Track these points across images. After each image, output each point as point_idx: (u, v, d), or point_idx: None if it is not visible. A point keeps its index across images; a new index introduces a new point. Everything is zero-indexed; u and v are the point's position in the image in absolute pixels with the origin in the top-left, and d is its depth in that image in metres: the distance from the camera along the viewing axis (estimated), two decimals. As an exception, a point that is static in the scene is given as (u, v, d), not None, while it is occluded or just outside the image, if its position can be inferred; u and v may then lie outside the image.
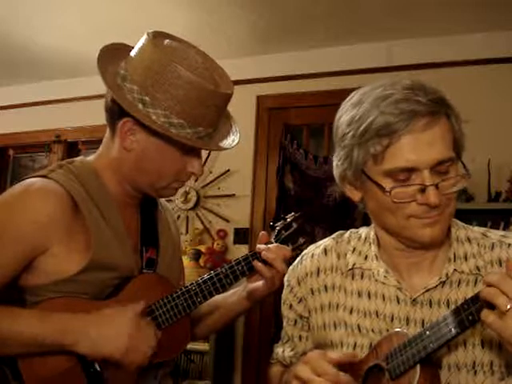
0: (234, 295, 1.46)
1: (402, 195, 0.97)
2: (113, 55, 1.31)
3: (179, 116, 1.22)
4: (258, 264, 1.34)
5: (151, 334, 1.24)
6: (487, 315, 0.83)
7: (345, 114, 1.03)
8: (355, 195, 1.08)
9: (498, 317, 0.82)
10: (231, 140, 1.36)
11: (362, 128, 0.97)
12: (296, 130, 3.72)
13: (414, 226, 0.99)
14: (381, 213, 1.03)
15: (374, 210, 1.06)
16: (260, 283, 1.37)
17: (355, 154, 1.00)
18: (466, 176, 0.99)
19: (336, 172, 1.07)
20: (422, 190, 0.95)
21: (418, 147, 0.95)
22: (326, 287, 1.14)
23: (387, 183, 0.97)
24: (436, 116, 0.96)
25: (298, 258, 1.23)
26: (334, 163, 1.07)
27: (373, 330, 1.05)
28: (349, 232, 1.20)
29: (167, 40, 1.30)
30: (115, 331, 1.19)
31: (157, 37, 1.27)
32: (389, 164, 0.96)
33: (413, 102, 0.94)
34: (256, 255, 1.36)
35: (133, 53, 1.28)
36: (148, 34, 1.27)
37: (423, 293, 1.03)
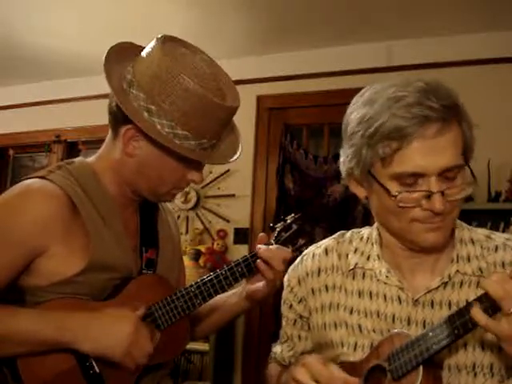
0: (233, 296, 1.45)
1: (407, 200, 0.96)
2: (120, 55, 1.30)
3: (184, 128, 1.22)
4: (261, 264, 1.34)
5: (149, 337, 1.24)
6: (477, 313, 0.84)
7: (355, 112, 1.01)
8: (361, 192, 1.07)
9: (492, 317, 0.83)
10: (233, 153, 1.36)
11: (372, 129, 0.96)
12: (296, 129, 3.72)
13: (417, 231, 0.99)
14: (384, 215, 1.03)
15: (378, 211, 1.05)
16: (260, 284, 1.37)
17: (363, 154, 0.99)
18: (473, 183, 0.98)
19: (343, 168, 1.06)
20: (428, 196, 0.95)
21: (427, 153, 0.94)
22: (326, 287, 1.14)
23: (393, 186, 0.97)
24: (447, 122, 0.95)
25: (299, 258, 1.23)
26: (342, 159, 1.06)
27: (374, 330, 1.05)
28: (350, 232, 1.19)
29: (176, 46, 1.28)
30: (117, 330, 1.19)
31: (166, 42, 1.26)
32: (397, 168, 0.96)
33: (425, 106, 0.93)
34: (256, 256, 1.35)
35: (141, 56, 1.27)
36: (157, 39, 1.26)
37: (425, 293, 1.03)
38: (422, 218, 0.97)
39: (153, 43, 1.27)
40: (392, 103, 0.95)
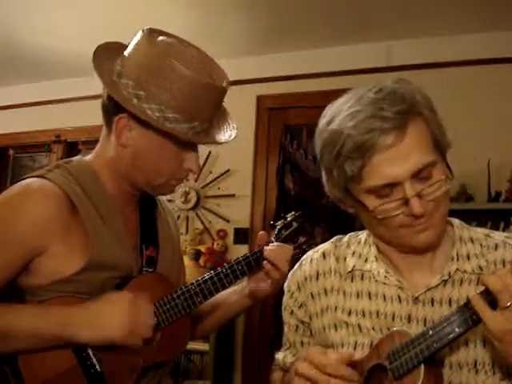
0: (234, 294, 1.45)
1: (385, 211, 0.97)
2: (108, 53, 1.31)
3: (174, 110, 1.22)
4: (267, 265, 1.33)
5: (150, 310, 1.24)
6: (478, 301, 0.84)
7: (320, 134, 1.02)
8: (349, 208, 1.08)
9: (490, 309, 0.83)
10: (228, 135, 1.35)
11: (334, 152, 0.97)
12: (296, 129, 3.73)
13: (406, 235, 0.99)
14: (372, 227, 1.05)
15: (366, 224, 1.07)
16: (263, 284, 1.36)
17: (335, 175, 1.00)
18: (450, 177, 0.97)
19: (326, 189, 1.07)
20: (406, 202, 0.95)
21: (392, 162, 0.94)
22: (325, 290, 1.14)
23: (371, 200, 0.97)
24: (404, 127, 0.94)
25: (298, 264, 1.23)
26: (323, 179, 1.07)
27: (373, 329, 1.05)
28: (348, 236, 1.20)
29: (161, 36, 1.29)
30: (113, 311, 1.19)
31: (151, 33, 1.27)
32: (367, 183, 0.96)
33: (378, 118, 0.93)
34: (256, 255, 1.35)
35: (128, 50, 1.28)
36: (143, 31, 1.27)
37: (425, 291, 1.03)
38: (408, 222, 0.97)
39: (139, 35, 1.28)
40: (347, 122, 0.95)
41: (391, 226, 0.99)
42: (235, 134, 1.36)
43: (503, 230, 2.82)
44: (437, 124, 0.99)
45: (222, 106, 1.36)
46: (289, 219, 1.42)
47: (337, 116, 0.98)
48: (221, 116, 1.37)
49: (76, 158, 1.37)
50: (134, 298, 1.22)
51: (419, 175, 0.95)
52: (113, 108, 1.25)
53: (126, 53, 1.28)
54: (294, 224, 1.41)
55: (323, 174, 1.05)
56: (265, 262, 1.34)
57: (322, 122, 1.03)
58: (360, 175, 0.96)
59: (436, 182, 0.96)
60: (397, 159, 0.94)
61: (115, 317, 1.18)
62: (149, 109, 1.22)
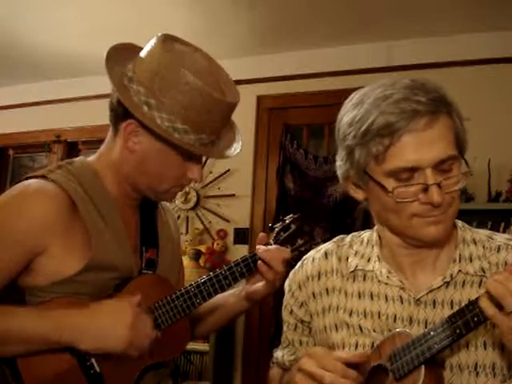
0: (233, 296, 1.46)
1: (404, 195, 0.96)
2: (120, 55, 1.31)
3: (184, 122, 1.23)
4: (261, 266, 1.34)
5: (150, 323, 1.24)
6: (488, 307, 0.84)
7: (346, 115, 1.03)
8: (359, 194, 1.08)
9: (502, 313, 0.83)
10: (233, 149, 1.37)
11: (363, 128, 0.97)
12: (296, 129, 3.73)
13: (418, 225, 0.99)
14: (384, 213, 1.03)
15: (378, 210, 1.06)
16: (259, 285, 1.37)
17: (357, 154, 0.99)
18: (468, 173, 0.99)
19: (339, 172, 1.07)
20: (425, 189, 0.95)
21: (419, 146, 0.94)
22: (327, 290, 1.14)
23: (390, 183, 0.97)
24: (436, 115, 0.95)
25: (299, 263, 1.23)
26: (337, 163, 1.07)
27: (374, 330, 1.05)
28: (351, 236, 1.19)
29: (176, 44, 1.30)
30: (116, 323, 1.19)
31: (166, 40, 1.27)
32: (391, 164, 0.96)
33: (413, 101, 0.94)
34: (255, 257, 1.36)
35: (141, 54, 1.28)
36: (157, 37, 1.27)
37: (427, 293, 1.03)
38: (422, 212, 0.97)
39: (152, 41, 1.28)
40: (380, 102, 0.97)
41: (404, 214, 0.98)
42: (240, 148, 1.37)
43: (504, 231, 2.82)
44: (461, 122, 1.01)
45: (231, 119, 1.37)
46: (287, 221, 1.42)
47: (367, 99, 0.99)
48: (228, 129, 1.38)
49: (78, 159, 1.37)
50: (137, 311, 1.22)
51: (441, 166, 0.96)
52: (122, 112, 1.25)
53: (138, 57, 1.28)
54: (293, 226, 1.41)
55: (341, 155, 1.05)
56: (259, 262, 1.34)
57: (350, 103, 1.04)
58: (384, 155, 0.96)
59: (455, 175, 0.97)
60: (424, 144, 0.94)
61: (118, 330, 1.18)
62: (159, 118, 1.22)
